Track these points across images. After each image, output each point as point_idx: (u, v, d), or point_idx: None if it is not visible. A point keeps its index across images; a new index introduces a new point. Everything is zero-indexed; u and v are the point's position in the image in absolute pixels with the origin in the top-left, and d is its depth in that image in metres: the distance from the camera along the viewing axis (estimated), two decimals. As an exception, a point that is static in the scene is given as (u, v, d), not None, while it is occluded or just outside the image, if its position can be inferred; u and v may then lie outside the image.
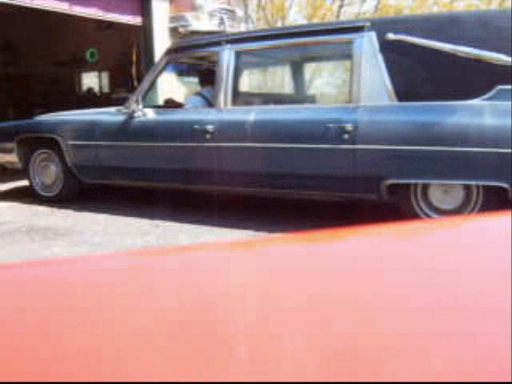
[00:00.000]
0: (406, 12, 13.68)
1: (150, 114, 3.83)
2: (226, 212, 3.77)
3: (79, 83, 10.52)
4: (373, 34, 3.07)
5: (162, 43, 7.12)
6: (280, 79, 4.90)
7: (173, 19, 7.19)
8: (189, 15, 7.15)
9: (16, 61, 9.66)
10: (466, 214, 2.86)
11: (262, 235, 3.18)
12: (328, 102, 4.03)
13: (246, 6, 9.82)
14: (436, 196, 2.99)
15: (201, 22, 7.20)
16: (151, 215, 3.78)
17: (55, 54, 9.61)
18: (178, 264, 0.61)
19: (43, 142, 4.34)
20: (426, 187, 3.00)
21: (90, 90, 10.26)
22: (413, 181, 2.97)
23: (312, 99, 5.31)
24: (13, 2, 5.23)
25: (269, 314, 0.44)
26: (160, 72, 3.98)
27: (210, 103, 3.89)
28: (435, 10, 13.43)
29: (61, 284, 0.54)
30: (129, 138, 3.87)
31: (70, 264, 0.64)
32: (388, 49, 3.03)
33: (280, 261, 0.61)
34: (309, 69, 5.97)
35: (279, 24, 14.15)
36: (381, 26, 3.11)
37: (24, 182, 5.31)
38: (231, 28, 7.58)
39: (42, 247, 3.14)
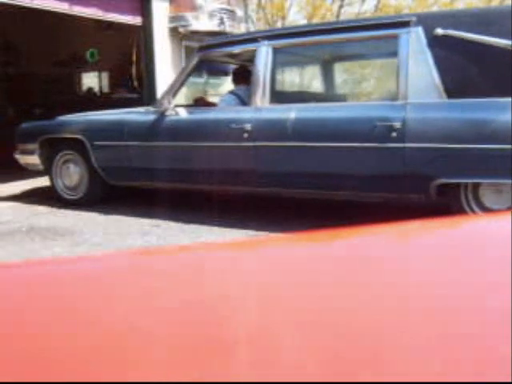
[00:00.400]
0: (406, 11, 13.68)
1: (183, 113, 3.71)
2: (226, 212, 3.77)
3: (79, 83, 10.51)
4: (419, 29, 2.99)
5: (161, 43, 7.12)
6: (320, 76, 4.70)
7: (173, 19, 7.18)
8: (189, 15, 7.14)
9: (16, 61, 9.65)
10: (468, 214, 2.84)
11: (262, 235, 3.18)
12: (372, 100, 3.83)
13: (246, 6, 9.81)
14: (487, 196, 2.90)
15: (201, 22, 7.19)
16: (151, 215, 3.78)
17: (55, 54, 9.60)
18: (178, 264, 0.61)
19: (67, 143, 4.23)
20: (476, 187, 2.91)
21: (90, 89, 10.26)
22: (463, 180, 2.89)
23: (354, 97, 5.14)
24: (13, 2, 5.23)
25: (269, 314, 0.44)
26: (192, 70, 3.87)
27: (244, 102, 3.80)
28: (435, 9, 13.43)
29: (61, 284, 0.54)
30: (161, 137, 3.76)
31: (70, 264, 0.64)
32: (436, 44, 2.95)
33: (280, 261, 0.61)
34: (351, 65, 5.79)
35: (279, 24, 14.16)
36: (428, 20, 3.02)
37: (24, 182, 5.32)
38: (231, 28, 7.58)
39: (42, 247, 3.14)
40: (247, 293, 0.49)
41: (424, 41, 2.97)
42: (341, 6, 14.94)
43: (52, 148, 4.32)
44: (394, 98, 3.11)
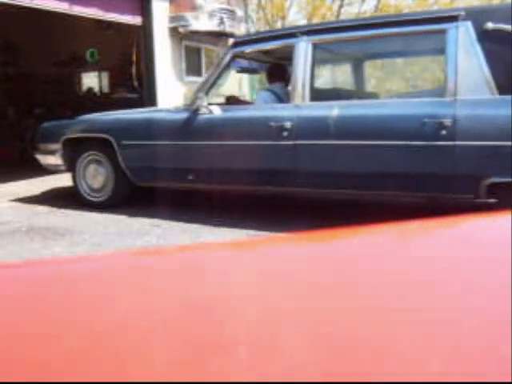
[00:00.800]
0: (406, 11, 13.68)
1: (217, 111, 3.58)
2: (227, 212, 3.77)
3: (79, 83, 10.52)
4: (469, 24, 2.91)
5: (161, 43, 7.13)
6: (362, 73, 4.56)
7: (173, 19, 7.19)
8: (189, 15, 7.15)
9: (16, 61, 9.66)
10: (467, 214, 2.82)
11: (262, 235, 3.17)
12: (419, 96, 3.79)
13: (246, 5, 9.82)
14: None
15: (201, 22, 7.20)
16: (151, 215, 3.78)
17: (55, 54, 9.60)
18: (178, 264, 0.61)
19: (92, 142, 4.11)
20: None
21: (89, 89, 10.26)
22: None
23: (399, 93, 4.94)
24: (13, 2, 5.23)
25: (269, 314, 0.44)
26: (225, 67, 3.72)
27: (281, 99, 3.71)
28: (435, 8, 13.41)
29: (61, 284, 0.54)
30: (194, 136, 3.62)
31: (70, 264, 0.64)
32: (487, 39, 2.87)
33: (280, 261, 0.61)
34: (395, 61, 5.61)
35: (279, 24, 14.17)
36: (477, 15, 2.95)
37: (24, 182, 5.32)
38: (231, 28, 7.58)
39: (42, 247, 3.13)
40: (247, 293, 0.49)
41: (473, 35, 2.90)
42: (341, 6, 14.96)
43: (75, 148, 4.19)
44: (443, 94, 3.01)
